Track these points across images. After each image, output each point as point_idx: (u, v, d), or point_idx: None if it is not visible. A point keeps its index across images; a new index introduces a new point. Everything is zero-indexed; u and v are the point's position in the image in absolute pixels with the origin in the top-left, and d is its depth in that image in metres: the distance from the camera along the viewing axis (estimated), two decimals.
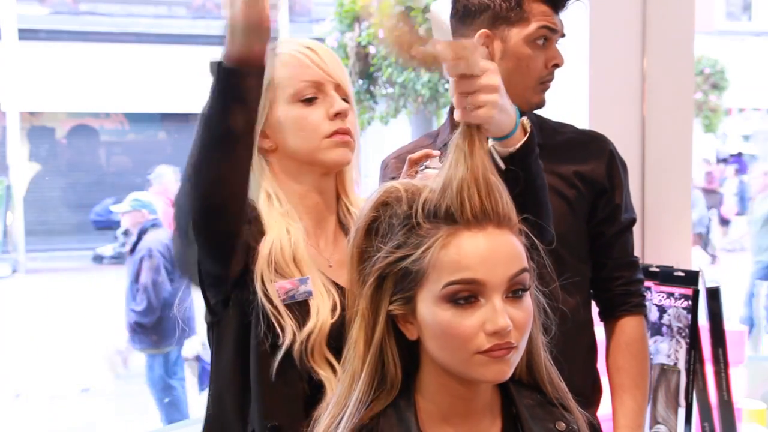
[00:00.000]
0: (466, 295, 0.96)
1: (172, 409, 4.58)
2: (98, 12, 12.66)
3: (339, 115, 1.29)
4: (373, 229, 1.05)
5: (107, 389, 5.36)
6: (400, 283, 1.00)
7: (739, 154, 16.02)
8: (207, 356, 4.67)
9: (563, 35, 1.56)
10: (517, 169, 1.15)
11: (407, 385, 1.05)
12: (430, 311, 0.98)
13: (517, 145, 1.17)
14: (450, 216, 0.98)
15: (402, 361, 1.04)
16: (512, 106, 1.15)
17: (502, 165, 1.15)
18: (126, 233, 4.89)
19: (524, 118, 1.19)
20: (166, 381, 4.55)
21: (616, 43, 2.30)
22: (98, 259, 10.87)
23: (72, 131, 13.00)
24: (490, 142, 1.12)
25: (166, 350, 4.54)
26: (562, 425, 1.05)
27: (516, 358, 0.99)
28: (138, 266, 4.42)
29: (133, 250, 4.53)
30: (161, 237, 4.50)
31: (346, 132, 1.30)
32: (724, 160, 15.95)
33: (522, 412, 1.05)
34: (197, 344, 4.67)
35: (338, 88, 1.31)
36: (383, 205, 1.05)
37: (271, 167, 1.32)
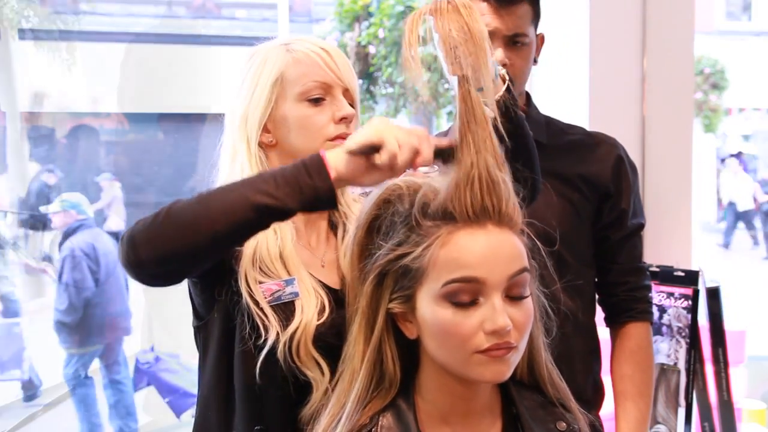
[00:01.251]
0: (465, 293, 0.95)
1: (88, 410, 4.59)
2: (98, 12, 12.64)
3: (344, 119, 1.28)
4: (374, 226, 1.05)
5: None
6: (400, 280, 1.00)
7: (739, 154, 16.00)
8: (143, 357, 4.68)
9: (516, 35, 1.49)
10: (503, 119, 1.16)
11: (407, 385, 1.04)
12: (430, 310, 0.97)
13: (499, 94, 1.20)
14: (450, 214, 0.98)
15: (401, 360, 1.03)
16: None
17: (490, 113, 1.17)
18: None
19: (501, 68, 1.23)
20: (79, 379, 4.56)
21: (616, 43, 2.30)
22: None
23: (72, 131, 12.97)
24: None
25: (89, 350, 4.56)
26: (563, 425, 1.05)
27: (515, 358, 0.98)
28: (61, 266, 4.45)
29: (60, 250, 4.56)
30: (87, 238, 4.51)
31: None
32: (724, 160, 15.93)
33: (522, 412, 1.04)
34: (134, 344, 4.69)
35: (346, 92, 1.30)
36: (385, 202, 1.05)
37: (270, 162, 1.31)
